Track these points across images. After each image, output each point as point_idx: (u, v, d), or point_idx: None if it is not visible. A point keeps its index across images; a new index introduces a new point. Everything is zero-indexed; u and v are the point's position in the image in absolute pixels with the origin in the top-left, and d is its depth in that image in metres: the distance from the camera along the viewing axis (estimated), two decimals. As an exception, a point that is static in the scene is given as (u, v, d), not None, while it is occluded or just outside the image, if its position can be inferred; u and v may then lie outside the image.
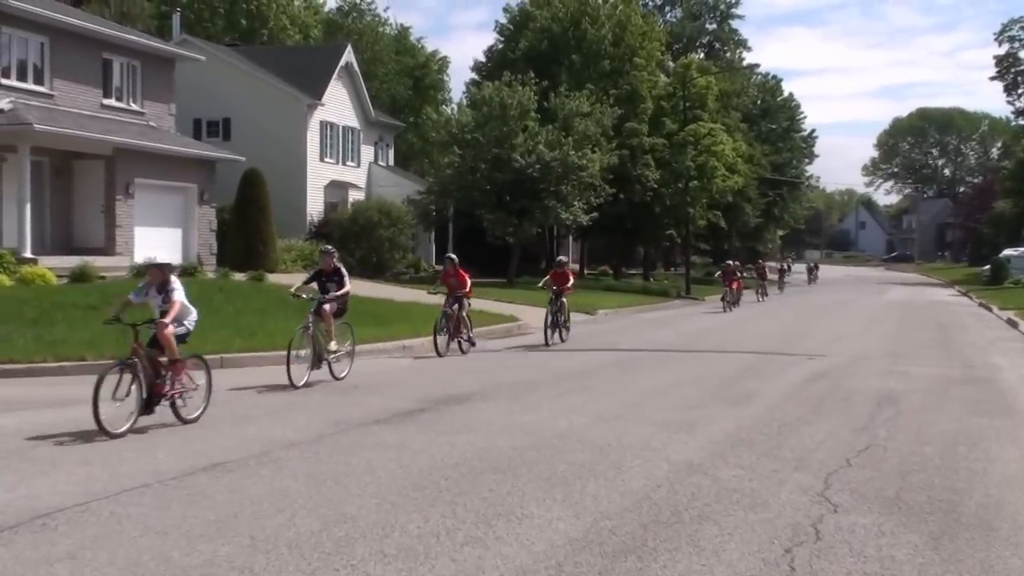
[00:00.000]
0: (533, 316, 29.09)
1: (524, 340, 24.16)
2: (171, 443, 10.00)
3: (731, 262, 43.45)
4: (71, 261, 27.81)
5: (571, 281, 24.32)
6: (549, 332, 22.81)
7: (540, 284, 24.91)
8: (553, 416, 12.03)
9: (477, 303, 30.47)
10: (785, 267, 65.16)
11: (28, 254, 27.61)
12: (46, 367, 15.51)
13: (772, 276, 56.82)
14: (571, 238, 66.78)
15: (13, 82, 29.84)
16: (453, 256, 22.00)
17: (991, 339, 26.74)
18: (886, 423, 12.08)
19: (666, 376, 16.92)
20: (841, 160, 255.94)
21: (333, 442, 10.21)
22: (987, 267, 67.38)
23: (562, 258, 26.37)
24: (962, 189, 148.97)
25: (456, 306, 20.47)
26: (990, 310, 40.03)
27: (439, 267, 51.38)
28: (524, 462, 9.29)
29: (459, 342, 20.49)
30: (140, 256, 30.78)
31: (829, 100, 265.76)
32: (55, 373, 15.34)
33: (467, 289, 21.11)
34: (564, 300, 23.51)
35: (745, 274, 48.61)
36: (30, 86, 30.43)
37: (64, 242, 31.22)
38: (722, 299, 40.04)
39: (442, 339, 19.89)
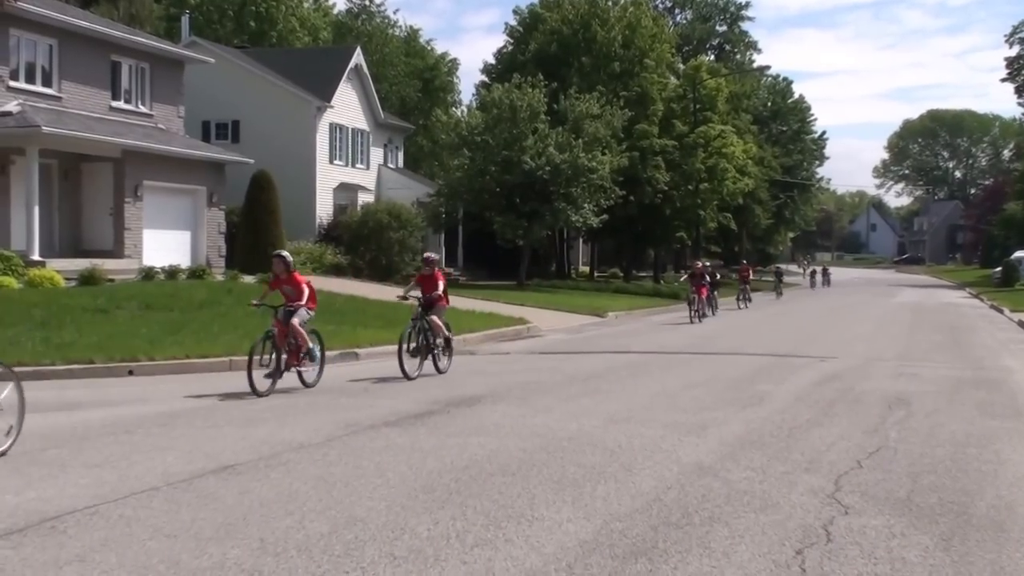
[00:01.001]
0: (543, 319, 29.15)
1: (530, 344, 24.15)
2: (180, 446, 10.01)
3: (700, 263, 37.33)
4: (80, 264, 27.91)
5: (441, 286, 17.24)
6: (407, 360, 16.02)
7: (403, 293, 18.37)
8: (563, 418, 12.01)
9: (487, 306, 30.60)
10: (782, 269, 61.98)
11: (36, 256, 27.69)
12: (55, 370, 15.55)
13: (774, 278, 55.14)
14: (581, 240, 66.85)
15: (22, 84, 29.96)
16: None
17: (1002, 341, 26.68)
18: (897, 425, 12.04)
19: (677, 378, 16.89)
20: (852, 162, 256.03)
21: (343, 444, 10.21)
22: (998, 269, 67.28)
23: (431, 255, 18.32)
24: (973, 191, 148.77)
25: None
26: (1001, 312, 39.95)
27: (449, 270, 51.62)
28: (534, 464, 9.28)
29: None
30: (149, 259, 30.93)
31: (840, 102, 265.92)
32: (64, 376, 15.40)
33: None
34: (434, 317, 16.87)
35: (720, 276, 43.51)
36: (38, 88, 30.55)
37: (73, 245, 31.31)
38: (689, 304, 33.65)
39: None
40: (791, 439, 10.87)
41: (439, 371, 16.72)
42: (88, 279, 26.46)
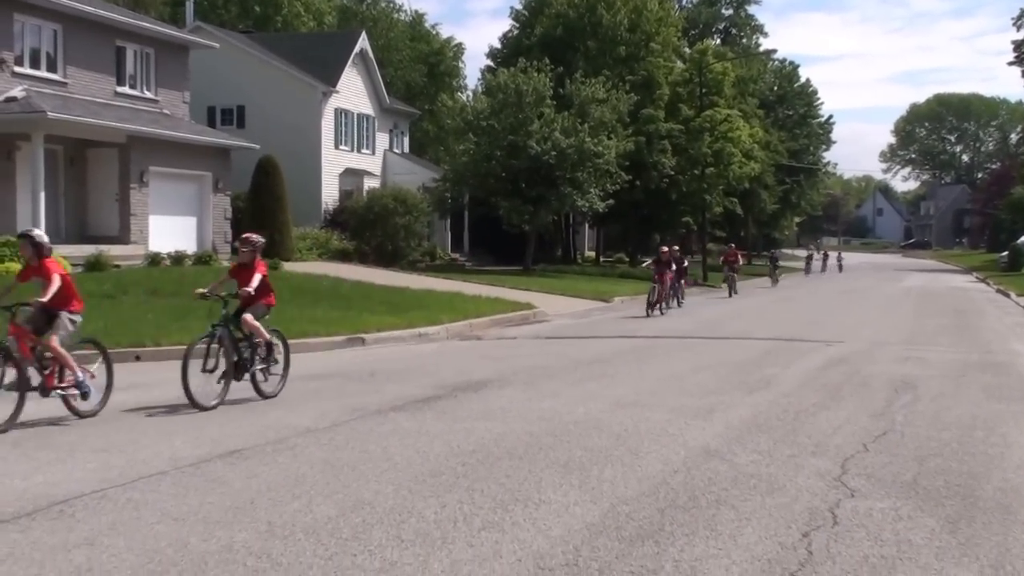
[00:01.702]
0: (549, 304, 29.15)
1: (536, 329, 24.15)
2: (187, 430, 10.04)
3: (667, 247, 32.07)
4: (86, 250, 27.94)
5: (258, 279, 12.23)
6: (198, 382, 11.44)
7: (205, 290, 12.39)
8: (570, 402, 12.04)
9: (493, 291, 30.62)
10: (776, 255, 59.40)
11: (43, 243, 27.69)
12: (62, 355, 15.54)
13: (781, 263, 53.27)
14: (587, 225, 66.74)
15: (27, 70, 29.92)
16: (253, 236, 12.81)
17: (1009, 325, 26.67)
18: (904, 408, 12.06)
19: (683, 363, 16.91)
20: (858, 147, 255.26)
21: (349, 429, 10.24)
22: (1005, 254, 67.14)
23: (251, 235, 12.79)
24: (980, 175, 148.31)
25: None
26: (1008, 296, 39.91)
27: (455, 255, 51.69)
28: (541, 448, 9.31)
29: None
30: (154, 245, 30.96)
31: (847, 86, 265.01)
32: (71, 361, 15.37)
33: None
34: (248, 316, 12.27)
35: (688, 262, 39.28)
36: (43, 74, 30.52)
37: (79, 231, 31.34)
38: (648, 294, 29.14)
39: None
40: (797, 422, 10.88)
41: (262, 395, 12.30)
42: (94, 265, 26.50)
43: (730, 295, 39.93)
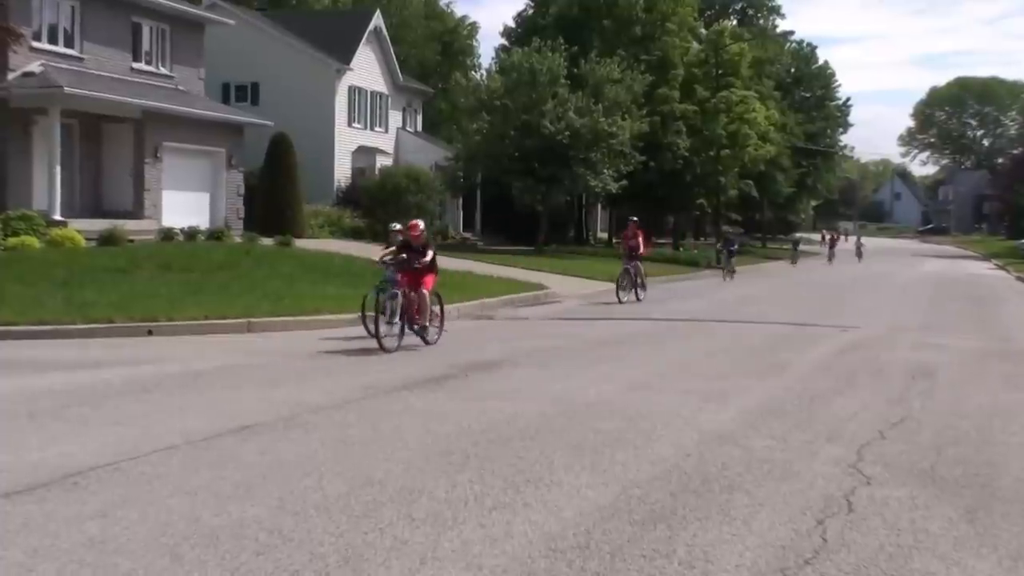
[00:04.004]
0: (561, 284, 29.12)
1: (548, 309, 24.12)
2: (199, 405, 10.06)
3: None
4: (100, 224, 28.01)
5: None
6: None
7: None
8: (583, 384, 12.03)
9: (505, 271, 30.61)
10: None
11: (58, 216, 27.76)
12: (75, 329, 15.63)
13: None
14: (600, 206, 66.64)
15: (44, 45, 29.95)
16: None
17: (1027, 313, 26.57)
18: (921, 396, 12.01)
19: (697, 346, 16.89)
20: (877, 130, 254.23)
21: (361, 407, 10.24)
22: (1024, 240, 66.83)
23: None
24: (1000, 160, 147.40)
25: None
26: (1026, 283, 39.77)
27: (467, 234, 51.64)
28: (553, 429, 9.30)
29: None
30: (168, 220, 31.02)
31: (866, 68, 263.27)
32: (84, 335, 15.47)
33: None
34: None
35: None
36: (60, 49, 30.54)
37: (93, 205, 31.40)
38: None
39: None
40: (813, 408, 10.85)
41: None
42: (108, 239, 26.55)
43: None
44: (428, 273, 15.88)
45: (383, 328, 14.86)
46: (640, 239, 27.13)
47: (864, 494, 7.37)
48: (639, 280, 26.91)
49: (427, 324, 15.72)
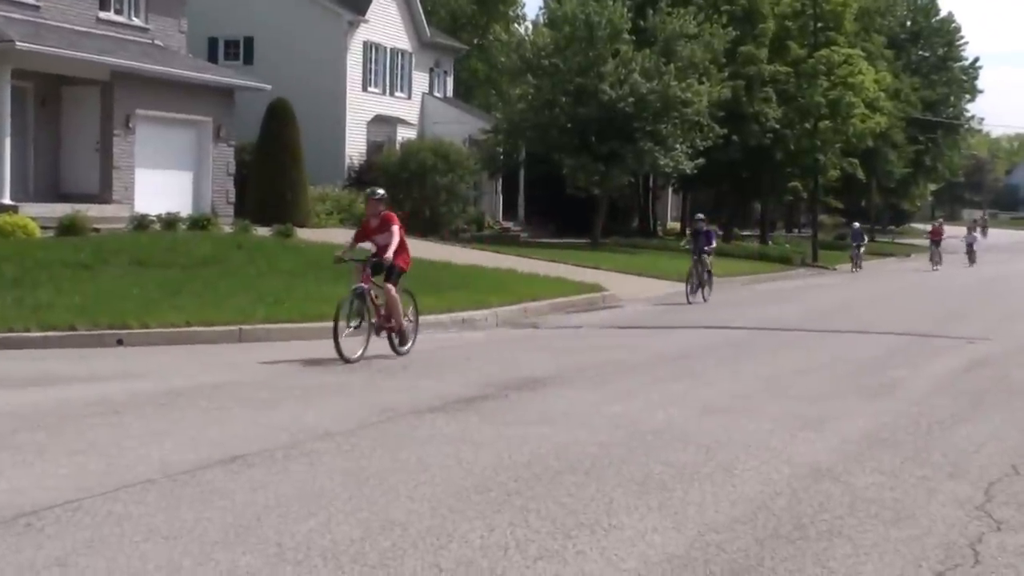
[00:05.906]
0: (623, 285, 29.11)
1: (606, 316, 24.11)
2: (180, 431, 10.13)
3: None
4: (59, 210, 28.16)
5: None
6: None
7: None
8: (648, 407, 12.03)
9: (554, 269, 30.62)
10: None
11: (7, 200, 27.97)
12: (28, 337, 15.73)
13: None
14: (671, 190, 66.57)
15: (-9, -8, 30.20)
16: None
17: None
18: (1065, 424, 11.93)
19: (788, 361, 16.84)
20: (1011, 99, 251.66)
21: (378, 433, 10.29)
22: None
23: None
24: None
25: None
26: None
27: (507, 224, 51.74)
28: (612, 462, 9.30)
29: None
30: (142, 205, 31.19)
31: (1000, 22, 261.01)
32: (39, 345, 15.59)
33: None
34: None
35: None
36: (12, -4, 30.78)
37: (51, 187, 31.63)
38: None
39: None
40: (931, 437, 10.80)
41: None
42: (69, 228, 26.74)
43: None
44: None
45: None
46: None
47: (994, 542, 7.33)
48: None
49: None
